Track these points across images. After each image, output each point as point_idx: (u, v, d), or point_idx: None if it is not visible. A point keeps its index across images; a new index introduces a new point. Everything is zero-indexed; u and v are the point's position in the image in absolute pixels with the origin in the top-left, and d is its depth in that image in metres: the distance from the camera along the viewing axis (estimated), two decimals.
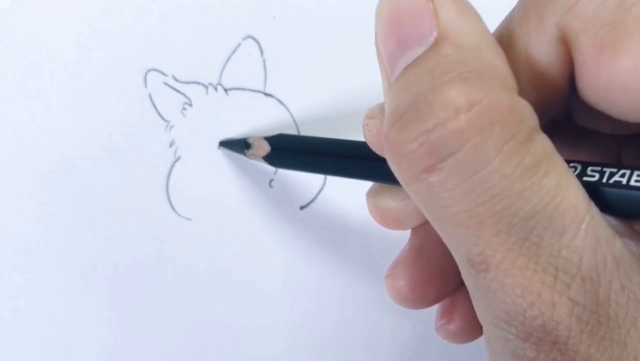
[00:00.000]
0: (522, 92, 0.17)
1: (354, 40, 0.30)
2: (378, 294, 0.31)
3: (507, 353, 0.16)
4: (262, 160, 0.27)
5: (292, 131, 0.29)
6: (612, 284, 0.15)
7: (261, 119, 0.29)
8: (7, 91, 0.27)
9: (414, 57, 0.16)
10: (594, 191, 0.16)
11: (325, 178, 0.30)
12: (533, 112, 0.16)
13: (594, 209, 0.16)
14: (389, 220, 0.23)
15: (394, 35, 0.17)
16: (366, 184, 0.24)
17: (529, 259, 0.15)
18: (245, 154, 0.27)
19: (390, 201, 0.23)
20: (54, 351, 0.28)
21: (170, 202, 0.28)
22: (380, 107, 0.20)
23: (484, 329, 0.17)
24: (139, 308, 0.29)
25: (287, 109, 0.29)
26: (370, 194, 0.23)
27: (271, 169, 0.29)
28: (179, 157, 0.28)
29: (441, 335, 0.24)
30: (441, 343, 0.32)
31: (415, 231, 0.24)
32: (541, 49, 0.17)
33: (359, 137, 0.30)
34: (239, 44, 0.29)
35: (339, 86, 0.30)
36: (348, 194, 0.30)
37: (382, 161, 0.18)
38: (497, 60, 0.16)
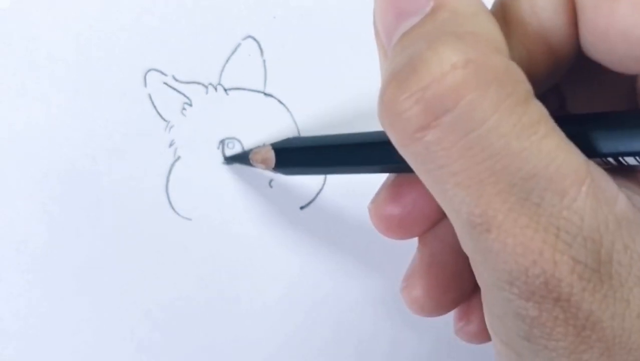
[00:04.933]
0: (529, 47, 0.17)
1: (354, 40, 0.30)
2: (379, 294, 0.31)
3: (508, 314, 0.16)
4: (270, 169, 0.27)
5: (293, 131, 0.29)
6: (614, 244, 0.15)
7: (261, 119, 0.29)
8: (7, 91, 0.27)
9: (410, 25, 0.17)
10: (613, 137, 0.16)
11: (325, 178, 0.30)
12: (526, 78, 0.16)
13: (595, 171, 0.16)
14: (394, 228, 0.23)
15: (392, 10, 0.17)
16: (366, 184, 0.24)
17: (530, 219, 0.15)
18: (251, 165, 0.27)
19: (394, 208, 0.23)
20: (55, 352, 0.28)
21: (170, 202, 0.28)
22: None
23: (484, 294, 0.17)
24: (139, 307, 0.29)
25: (287, 109, 0.29)
26: (373, 205, 0.23)
27: None
28: (179, 157, 0.28)
29: (462, 337, 0.24)
30: (444, 348, 0.32)
31: (422, 239, 0.24)
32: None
33: None
34: (239, 44, 0.29)
35: (339, 86, 0.30)
36: (348, 194, 0.30)
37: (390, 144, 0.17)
38: (492, 26, 0.16)
